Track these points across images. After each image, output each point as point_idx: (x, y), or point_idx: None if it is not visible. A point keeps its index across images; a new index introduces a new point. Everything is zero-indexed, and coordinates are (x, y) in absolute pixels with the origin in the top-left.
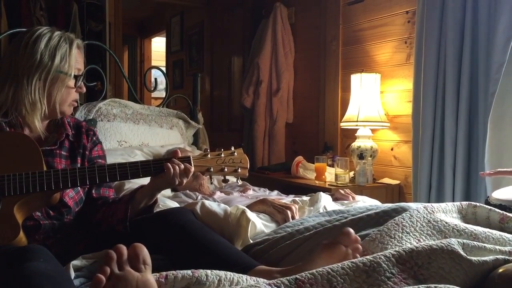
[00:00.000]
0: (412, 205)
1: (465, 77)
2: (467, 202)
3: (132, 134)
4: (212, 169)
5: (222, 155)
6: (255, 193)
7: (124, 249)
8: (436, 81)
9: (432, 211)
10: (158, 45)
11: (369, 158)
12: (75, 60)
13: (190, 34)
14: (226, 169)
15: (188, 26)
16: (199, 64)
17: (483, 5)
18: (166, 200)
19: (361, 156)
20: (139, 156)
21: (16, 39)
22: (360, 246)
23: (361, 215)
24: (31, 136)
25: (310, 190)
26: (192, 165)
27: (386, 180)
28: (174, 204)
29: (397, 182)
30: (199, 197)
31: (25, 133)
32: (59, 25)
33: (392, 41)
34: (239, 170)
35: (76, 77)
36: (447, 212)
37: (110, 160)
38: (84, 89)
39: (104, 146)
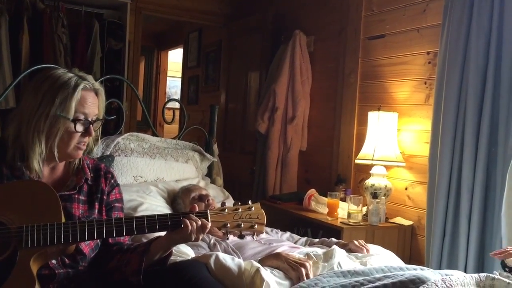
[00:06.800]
0: (430, 276)
1: (485, 126)
2: (485, 274)
3: (148, 169)
4: (228, 225)
5: (240, 210)
6: (268, 236)
7: None
8: (455, 126)
9: (451, 285)
10: (175, 56)
11: (383, 197)
12: (77, 103)
13: (207, 51)
14: (242, 225)
15: (206, 43)
16: (215, 81)
17: (507, 50)
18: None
19: (374, 195)
20: (153, 193)
21: (35, 77)
22: None
23: (377, 283)
24: (48, 180)
25: (322, 226)
26: (209, 220)
27: (399, 220)
28: (186, 249)
29: (410, 222)
30: (212, 240)
31: (43, 180)
32: (80, 43)
33: (411, 80)
34: (256, 226)
35: (75, 121)
36: (465, 285)
37: (125, 196)
38: (92, 134)
39: (120, 181)
